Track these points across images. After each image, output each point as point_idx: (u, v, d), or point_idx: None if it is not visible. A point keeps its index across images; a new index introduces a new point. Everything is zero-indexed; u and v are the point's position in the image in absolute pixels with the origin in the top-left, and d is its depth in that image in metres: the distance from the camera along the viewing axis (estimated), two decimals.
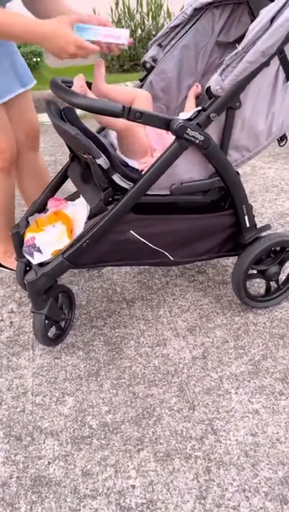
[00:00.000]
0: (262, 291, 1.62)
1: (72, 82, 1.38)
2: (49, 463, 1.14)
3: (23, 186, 1.80)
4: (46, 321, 1.38)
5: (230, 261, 1.84)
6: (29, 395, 1.32)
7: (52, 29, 1.15)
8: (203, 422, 1.21)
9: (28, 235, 1.41)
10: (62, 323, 1.49)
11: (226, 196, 1.38)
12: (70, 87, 1.34)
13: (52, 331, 1.47)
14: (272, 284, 1.57)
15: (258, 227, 1.45)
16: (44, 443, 1.18)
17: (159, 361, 1.40)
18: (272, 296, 1.57)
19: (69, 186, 1.61)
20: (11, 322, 1.61)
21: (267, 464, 1.10)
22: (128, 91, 1.40)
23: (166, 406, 1.26)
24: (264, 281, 1.56)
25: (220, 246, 1.46)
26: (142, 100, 1.34)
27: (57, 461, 1.14)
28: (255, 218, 1.45)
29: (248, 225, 1.41)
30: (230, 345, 1.44)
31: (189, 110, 1.53)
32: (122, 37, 1.22)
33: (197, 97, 1.57)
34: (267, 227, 1.47)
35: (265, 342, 1.44)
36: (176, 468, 1.10)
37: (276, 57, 1.17)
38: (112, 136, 1.45)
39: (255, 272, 1.52)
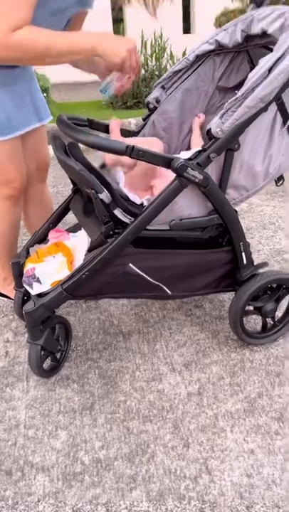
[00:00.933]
0: (258, 327, 1.63)
1: (77, 119, 1.44)
2: (39, 500, 1.11)
3: (28, 216, 1.83)
4: (42, 352, 1.38)
5: (227, 296, 1.85)
6: (21, 427, 1.30)
7: (107, 33, 1.25)
8: (198, 460, 1.19)
9: (28, 266, 1.43)
10: (58, 355, 1.49)
11: (223, 233, 1.41)
12: (76, 123, 1.39)
13: (47, 363, 1.46)
14: (269, 321, 1.57)
15: (255, 264, 1.48)
16: (35, 479, 1.16)
17: (154, 396, 1.39)
18: (269, 333, 1.57)
19: (70, 218, 1.64)
20: (7, 352, 1.60)
21: (262, 507, 1.07)
22: (142, 142, 1.46)
23: (160, 443, 1.24)
24: (261, 317, 1.57)
25: (217, 282, 1.48)
26: (156, 146, 1.41)
27: (47, 499, 1.11)
28: (252, 255, 1.48)
29: (245, 261, 1.43)
30: (226, 381, 1.44)
31: (195, 141, 1.59)
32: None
33: (201, 127, 1.62)
34: (264, 264, 1.49)
35: (261, 379, 1.44)
36: (170, 509, 1.08)
37: (274, 103, 1.23)
38: (114, 171, 1.49)
39: (251, 308, 1.53)
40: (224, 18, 5.25)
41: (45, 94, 5.40)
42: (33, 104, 1.57)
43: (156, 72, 5.50)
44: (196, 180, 1.22)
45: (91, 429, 1.29)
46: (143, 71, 5.56)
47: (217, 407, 1.35)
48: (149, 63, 5.64)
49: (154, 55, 5.64)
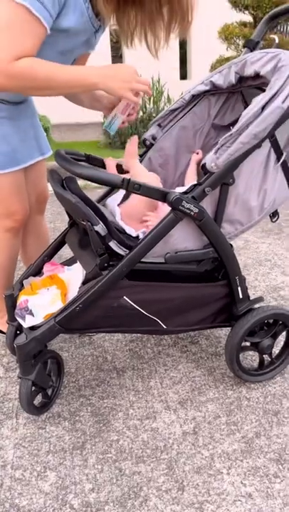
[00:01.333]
0: (255, 364, 1.59)
1: (74, 154, 1.47)
2: None
3: (26, 247, 1.83)
4: (33, 388, 1.33)
5: (223, 332, 1.82)
6: (8, 468, 1.24)
7: (111, 65, 1.30)
8: (193, 505, 1.13)
9: (21, 298, 1.41)
10: (50, 391, 1.44)
11: (219, 267, 1.40)
12: (74, 158, 1.41)
13: (38, 399, 1.41)
14: (266, 357, 1.54)
15: (251, 298, 1.47)
16: None
17: (148, 435, 1.34)
18: (266, 370, 1.54)
19: (65, 253, 1.64)
20: None
21: None
22: (148, 176, 1.49)
23: (153, 485, 1.18)
24: (258, 354, 1.54)
25: (213, 316, 1.46)
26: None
27: None
28: (249, 291, 1.46)
29: (241, 296, 1.42)
30: (223, 420, 1.39)
31: (192, 176, 1.61)
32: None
33: (199, 163, 1.65)
34: (260, 299, 1.48)
35: (259, 418, 1.39)
36: None
37: (267, 140, 1.26)
38: (111, 205, 1.51)
39: (248, 344, 1.50)
40: (219, 65, 5.48)
41: (45, 134, 5.56)
42: (36, 138, 1.61)
43: (154, 115, 5.69)
44: (191, 213, 1.23)
45: (81, 470, 1.23)
46: (141, 113, 5.75)
47: (213, 447, 1.30)
48: (147, 106, 5.84)
49: (151, 98, 5.85)
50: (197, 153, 1.64)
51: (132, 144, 1.49)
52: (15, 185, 1.52)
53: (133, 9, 1.34)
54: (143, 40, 1.38)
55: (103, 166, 1.56)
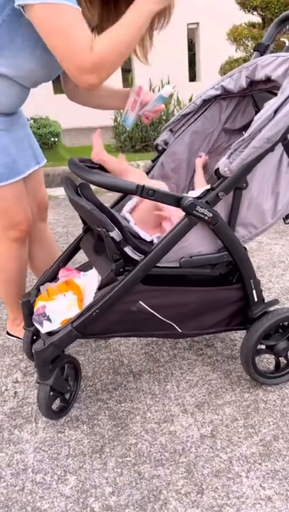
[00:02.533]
0: (271, 367, 1.59)
1: (88, 161, 1.49)
2: None
3: (32, 255, 1.86)
4: (51, 393, 1.35)
5: (238, 335, 1.83)
6: (29, 472, 1.26)
7: None
8: (213, 508, 1.13)
9: (38, 304, 1.43)
10: (67, 396, 1.46)
11: (233, 270, 1.41)
12: (87, 165, 1.43)
13: (56, 403, 1.43)
14: (282, 360, 1.54)
15: (265, 301, 1.47)
16: None
17: (166, 439, 1.35)
18: (282, 372, 1.54)
19: (79, 257, 1.66)
20: (15, 392, 1.58)
21: None
22: (123, 164, 1.51)
23: (173, 489, 1.19)
24: (273, 357, 1.54)
25: (228, 320, 1.47)
26: (134, 175, 1.45)
27: None
28: (263, 293, 1.47)
29: (256, 299, 1.42)
30: (240, 423, 1.39)
31: (197, 180, 1.62)
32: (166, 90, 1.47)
33: (204, 166, 1.66)
34: (275, 301, 1.48)
35: (276, 421, 1.39)
36: None
37: (280, 143, 1.27)
38: (125, 210, 1.52)
39: (263, 347, 1.50)
40: (228, 67, 5.48)
41: (56, 139, 5.60)
42: (31, 148, 1.64)
43: (164, 117, 5.70)
44: (206, 218, 1.24)
45: (101, 473, 1.24)
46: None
47: (231, 450, 1.30)
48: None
49: None
50: (200, 157, 1.65)
51: (97, 136, 1.47)
52: (17, 196, 1.54)
53: (115, 15, 1.35)
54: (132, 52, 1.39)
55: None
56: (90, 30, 1.35)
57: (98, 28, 1.40)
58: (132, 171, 1.50)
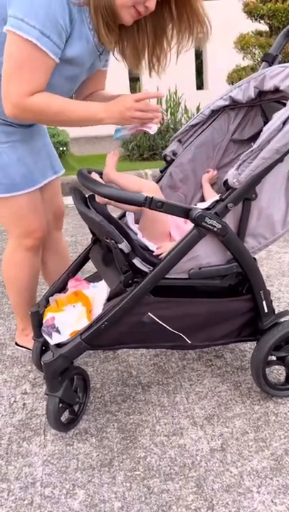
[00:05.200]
0: (282, 379, 1.57)
1: (97, 172, 1.49)
2: None
3: (46, 264, 1.86)
4: (60, 405, 1.35)
5: (248, 345, 1.81)
6: (38, 485, 1.25)
7: (115, 100, 1.34)
8: None
9: (48, 315, 1.43)
10: (76, 407, 1.45)
11: (243, 281, 1.40)
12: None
13: (65, 416, 1.43)
14: None
15: (276, 312, 1.45)
16: None
17: (176, 452, 1.33)
18: None
19: (88, 267, 1.66)
20: (24, 404, 1.57)
21: None
22: (136, 181, 1.49)
23: (182, 504, 1.17)
24: (284, 368, 1.52)
25: (238, 331, 1.45)
26: (151, 191, 1.43)
27: None
28: (273, 303, 1.45)
29: (266, 310, 1.41)
30: (250, 436, 1.37)
31: (207, 194, 1.62)
32: (152, 128, 1.40)
33: (211, 181, 1.65)
34: (285, 312, 1.46)
35: (288, 434, 1.37)
36: None
37: None
38: (130, 221, 1.52)
39: (274, 358, 1.48)
40: (236, 75, 5.48)
41: (65, 148, 5.64)
42: (49, 158, 1.66)
43: (172, 126, 5.72)
44: (215, 229, 1.23)
45: (110, 487, 1.23)
46: (158, 124, 5.79)
47: (242, 464, 1.28)
48: (165, 117, 5.87)
49: (169, 109, 5.89)
50: (208, 172, 1.64)
51: (112, 156, 1.48)
52: (32, 205, 1.56)
53: (139, 35, 1.39)
54: (147, 63, 1.44)
55: None
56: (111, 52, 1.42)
57: (119, 51, 1.44)
58: (147, 186, 1.47)
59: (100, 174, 1.50)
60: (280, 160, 1.24)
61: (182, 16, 1.35)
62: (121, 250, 1.24)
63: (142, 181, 1.48)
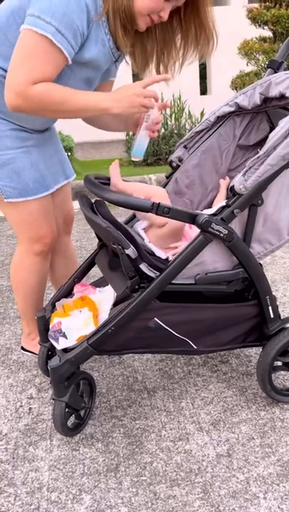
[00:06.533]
0: (288, 384, 1.57)
1: (103, 178, 1.50)
2: None
3: (54, 268, 1.87)
4: (66, 409, 1.35)
5: (253, 351, 1.81)
6: (44, 490, 1.25)
7: (118, 88, 1.34)
8: None
9: (54, 320, 1.44)
10: (82, 412, 1.46)
11: (249, 287, 1.40)
12: (103, 182, 1.45)
13: (71, 420, 1.43)
14: None
15: (282, 317, 1.45)
16: None
17: (182, 458, 1.33)
18: None
19: (93, 272, 1.66)
20: (30, 408, 1.58)
21: None
22: (145, 188, 1.50)
23: (189, 510, 1.17)
24: None
25: (244, 336, 1.45)
26: (160, 198, 1.44)
27: None
28: (278, 308, 1.45)
29: (272, 315, 1.41)
30: (257, 442, 1.37)
31: (219, 200, 1.62)
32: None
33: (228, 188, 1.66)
34: None
35: None
36: None
37: None
38: (139, 228, 1.53)
39: (280, 363, 1.48)
40: (240, 81, 5.51)
41: (69, 153, 5.67)
42: (60, 163, 1.67)
43: (176, 131, 5.73)
44: (221, 235, 1.24)
45: (116, 493, 1.23)
46: (162, 130, 5.81)
47: (248, 470, 1.28)
48: (169, 123, 5.89)
49: (173, 115, 5.91)
50: (225, 179, 1.65)
51: (114, 166, 1.45)
52: (43, 210, 1.57)
53: (148, 40, 1.42)
54: (155, 67, 1.46)
55: None
56: (126, 55, 1.43)
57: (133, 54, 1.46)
58: (157, 193, 1.47)
59: (107, 180, 1.51)
60: (287, 166, 1.25)
61: (190, 28, 1.39)
62: (128, 256, 1.25)
63: (149, 188, 1.50)
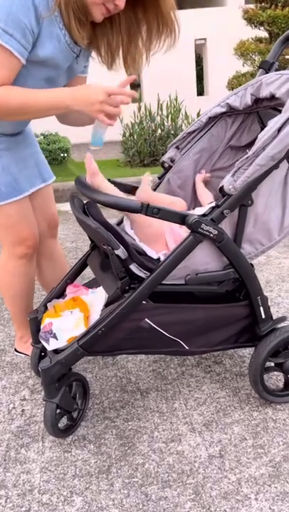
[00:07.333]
0: (281, 384, 1.57)
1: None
2: None
3: (42, 272, 1.87)
4: (58, 411, 1.35)
5: (247, 351, 1.81)
6: (36, 492, 1.25)
7: (84, 86, 1.30)
8: None
9: (45, 321, 1.44)
10: (75, 414, 1.45)
11: (240, 287, 1.40)
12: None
13: (63, 422, 1.43)
14: None
15: (274, 318, 1.45)
16: None
17: (174, 459, 1.33)
18: None
19: (87, 273, 1.66)
20: (23, 410, 1.57)
21: None
22: (167, 199, 1.50)
23: (180, 511, 1.17)
24: (283, 374, 1.51)
25: (236, 337, 1.45)
26: (176, 207, 1.44)
27: None
28: (272, 308, 1.45)
29: (263, 316, 1.41)
30: (249, 443, 1.37)
31: (200, 192, 1.62)
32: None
33: (205, 183, 1.66)
34: (283, 318, 1.46)
35: (286, 441, 1.37)
36: None
37: (285, 160, 1.27)
38: (127, 227, 1.52)
39: (272, 364, 1.48)
40: (236, 81, 5.52)
41: (66, 154, 5.67)
42: (37, 166, 1.65)
43: (172, 132, 5.74)
44: (211, 235, 1.24)
45: (108, 494, 1.23)
46: (159, 130, 5.82)
47: (240, 471, 1.28)
48: (165, 123, 5.90)
49: (169, 116, 5.92)
50: (200, 173, 1.65)
51: (89, 161, 1.36)
52: (22, 213, 1.56)
53: (113, 34, 1.37)
54: (122, 61, 1.41)
55: (125, 190, 1.56)
56: (84, 46, 1.37)
57: (94, 46, 1.42)
58: (176, 203, 1.47)
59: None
60: (276, 167, 1.24)
61: (153, 19, 1.34)
62: (118, 256, 1.25)
63: (171, 198, 1.50)
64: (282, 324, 1.45)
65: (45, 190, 1.70)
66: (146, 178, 1.44)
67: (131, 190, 1.53)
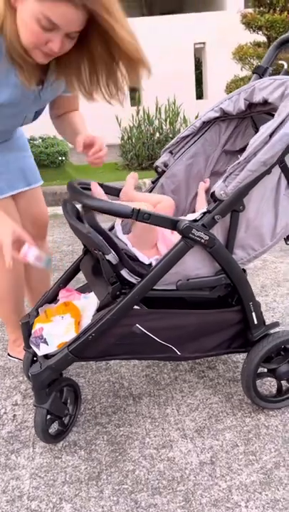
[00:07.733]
0: (274, 390, 1.56)
1: (87, 183, 1.49)
2: None
3: (27, 273, 1.85)
4: (48, 416, 1.34)
5: (241, 357, 1.80)
6: (25, 499, 1.24)
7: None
8: None
9: (36, 326, 1.43)
10: (66, 420, 1.44)
11: (233, 293, 1.39)
12: (86, 188, 1.44)
13: (54, 427, 1.42)
14: (284, 383, 1.51)
15: (267, 323, 1.45)
16: None
17: (164, 465, 1.32)
18: (285, 396, 1.50)
19: (81, 276, 1.65)
20: (14, 415, 1.56)
21: None
22: (154, 198, 1.50)
23: None
24: (275, 380, 1.51)
25: (228, 342, 1.45)
26: (164, 206, 1.44)
27: None
28: (267, 313, 1.45)
29: (255, 321, 1.40)
30: (240, 449, 1.36)
31: (200, 204, 1.62)
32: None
33: (207, 191, 1.66)
34: (275, 324, 1.46)
35: (278, 448, 1.36)
36: None
37: (277, 166, 1.26)
38: (119, 231, 1.52)
39: (265, 370, 1.47)
40: (234, 85, 5.53)
41: (64, 158, 5.67)
42: (21, 171, 1.66)
43: (170, 135, 5.75)
44: (202, 241, 1.23)
45: (97, 501, 1.22)
46: (158, 134, 5.83)
47: (231, 478, 1.27)
48: (164, 127, 5.91)
49: (168, 119, 5.93)
50: (205, 182, 1.65)
51: (132, 177, 1.45)
52: (4, 213, 1.55)
53: (86, 70, 1.26)
54: (106, 93, 1.30)
55: (117, 194, 1.56)
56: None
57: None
58: (164, 202, 1.49)
59: (89, 186, 1.49)
60: (268, 172, 1.24)
61: (111, 54, 1.20)
62: (108, 261, 1.24)
63: (157, 196, 1.51)
64: (274, 330, 1.44)
65: (29, 192, 1.71)
66: (131, 180, 1.44)
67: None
